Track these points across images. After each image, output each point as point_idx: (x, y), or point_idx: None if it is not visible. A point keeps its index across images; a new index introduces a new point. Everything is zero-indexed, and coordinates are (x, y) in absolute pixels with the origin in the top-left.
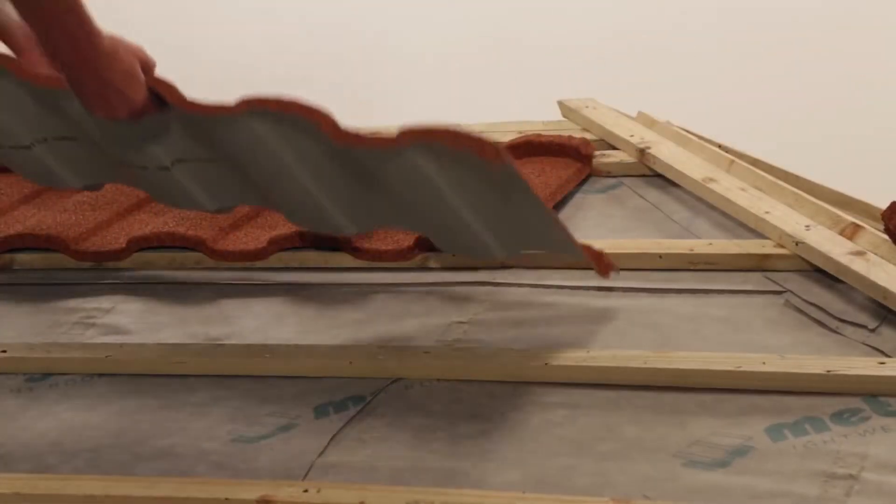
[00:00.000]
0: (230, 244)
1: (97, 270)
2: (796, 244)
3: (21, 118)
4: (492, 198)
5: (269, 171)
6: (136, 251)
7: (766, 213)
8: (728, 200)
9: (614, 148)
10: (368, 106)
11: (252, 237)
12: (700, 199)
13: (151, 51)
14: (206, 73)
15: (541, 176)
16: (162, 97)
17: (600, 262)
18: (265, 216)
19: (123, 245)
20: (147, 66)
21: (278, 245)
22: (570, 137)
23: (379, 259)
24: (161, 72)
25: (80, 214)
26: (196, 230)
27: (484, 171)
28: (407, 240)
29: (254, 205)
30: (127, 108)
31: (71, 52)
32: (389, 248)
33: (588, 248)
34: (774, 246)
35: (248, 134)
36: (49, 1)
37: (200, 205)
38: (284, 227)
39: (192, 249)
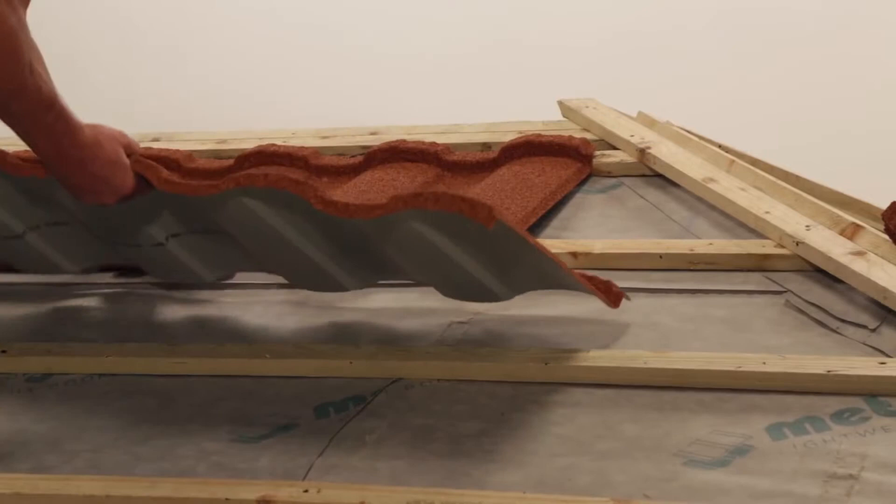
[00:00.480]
0: None
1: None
2: (796, 244)
3: (10, 209)
4: (491, 249)
5: (265, 241)
6: None
7: (767, 213)
8: (728, 200)
9: (614, 148)
10: (370, 106)
11: None
12: (700, 199)
13: (153, 53)
14: (206, 74)
15: (541, 176)
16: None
17: (609, 293)
18: None
19: None
20: (130, 150)
21: None
22: (570, 138)
23: None
24: (161, 74)
25: None
26: None
27: (479, 228)
28: None
29: (252, 271)
30: (114, 195)
31: (53, 148)
32: None
33: (595, 280)
34: (775, 246)
35: (240, 209)
36: (27, 102)
37: (198, 275)
38: None
39: None
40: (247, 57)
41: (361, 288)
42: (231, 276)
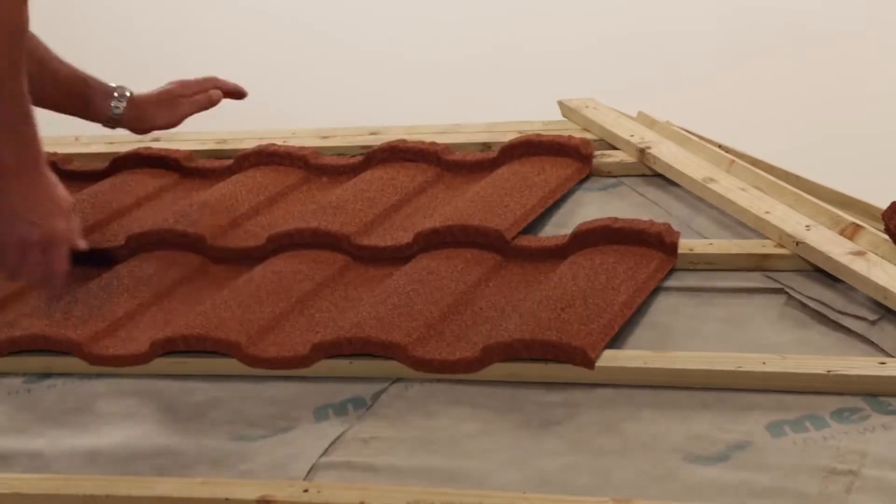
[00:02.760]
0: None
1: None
2: (796, 244)
3: None
4: None
5: None
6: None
7: (767, 212)
8: (728, 200)
9: (614, 148)
10: (371, 106)
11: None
12: (700, 199)
13: (153, 53)
14: (205, 75)
15: (540, 174)
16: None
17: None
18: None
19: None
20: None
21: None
22: (569, 137)
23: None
24: (161, 74)
25: None
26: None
27: None
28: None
29: None
30: (51, 222)
31: (14, 157)
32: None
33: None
34: (775, 246)
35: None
36: (7, 105)
37: None
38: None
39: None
40: (247, 57)
41: None
42: None
